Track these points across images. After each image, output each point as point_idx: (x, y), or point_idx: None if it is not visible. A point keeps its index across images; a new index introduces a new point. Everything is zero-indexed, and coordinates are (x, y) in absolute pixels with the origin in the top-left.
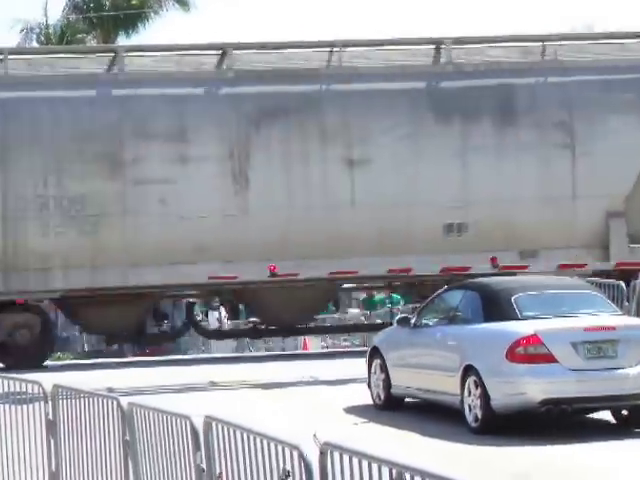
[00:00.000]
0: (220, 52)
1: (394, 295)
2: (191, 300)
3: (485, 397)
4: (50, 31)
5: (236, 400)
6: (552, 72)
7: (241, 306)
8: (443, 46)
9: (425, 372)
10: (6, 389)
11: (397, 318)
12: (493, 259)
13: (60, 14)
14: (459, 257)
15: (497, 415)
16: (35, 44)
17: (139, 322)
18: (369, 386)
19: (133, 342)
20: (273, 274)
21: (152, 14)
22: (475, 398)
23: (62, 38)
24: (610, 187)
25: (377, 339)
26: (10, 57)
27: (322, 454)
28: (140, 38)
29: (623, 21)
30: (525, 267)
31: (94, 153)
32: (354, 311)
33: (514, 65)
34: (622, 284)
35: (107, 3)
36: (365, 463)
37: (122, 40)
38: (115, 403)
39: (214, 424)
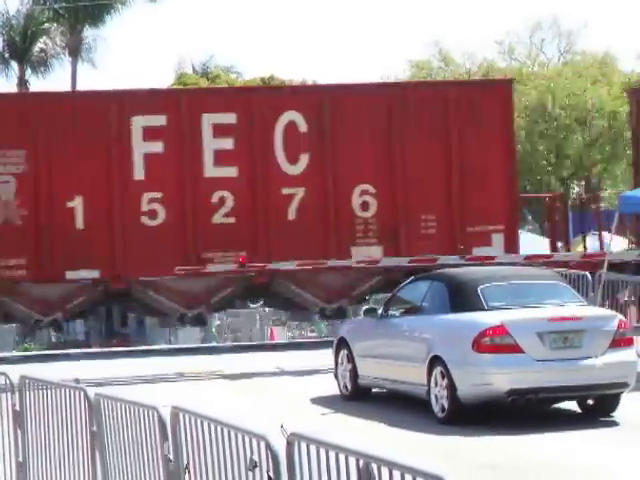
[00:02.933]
0: None
1: None
2: None
3: (452, 387)
4: (13, 22)
5: (203, 391)
6: None
7: None
8: None
9: (392, 363)
10: None
11: (364, 309)
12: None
13: (21, 4)
14: None
15: (464, 405)
16: None
17: None
18: (336, 377)
19: None
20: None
21: (119, 5)
22: (442, 389)
23: (25, 30)
24: None
25: (344, 329)
26: None
27: (289, 444)
28: (106, 29)
29: (589, 16)
30: (493, 257)
31: None
32: None
33: None
34: (587, 274)
35: None
36: (332, 454)
37: (88, 32)
38: (82, 394)
39: (181, 415)
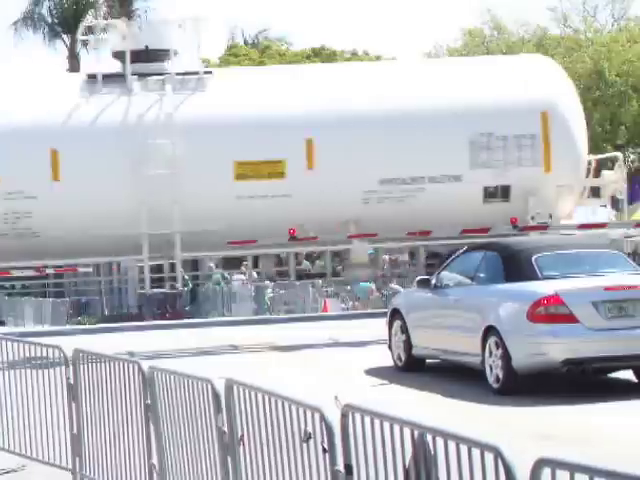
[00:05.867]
0: None
1: None
2: None
3: (506, 357)
4: None
5: (257, 363)
6: None
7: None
8: None
9: (446, 333)
10: (27, 354)
11: (417, 279)
12: (513, 219)
13: None
14: None
15: (518, 375)
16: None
17: None
18: (390, 348)
19: None
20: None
21: None
22: (496, 358)
23: (76, 2)
24: None
25: (397, 301)
26: None
27: (343, 416)
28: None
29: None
30: (545, 227)
31: None
32: None
33: None
34: None
35: None
36: (387, 425)
37: (138, 3)
38: (136, 367)
39: (235, 387)
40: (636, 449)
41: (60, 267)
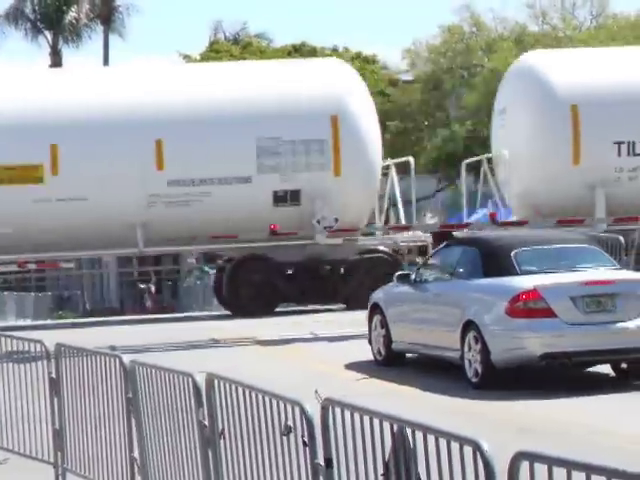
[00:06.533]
0: None
1: None
2: None
3: (485, 352)
4: None
5: (238, 357)
6: None
7: None
8: None
9: (425, 328)
10: (9, 348)
11: (397, 274)
12: (492, 214)
13: None
14: None
15: (497, 370)
16: None
17: None
18: (370, 342)
19: None
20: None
21: None
22: (475, 353)
23: None
24: None
25: (377, 295)
26: None
27: (323, 410)
28: None
29: None
30: (524, 222)
31: None
32: None
33: None
34: (621, 238)
35: None
36: (367, 419)
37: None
38: (118, 361)
39: (216, 381)
40: (614, 442)
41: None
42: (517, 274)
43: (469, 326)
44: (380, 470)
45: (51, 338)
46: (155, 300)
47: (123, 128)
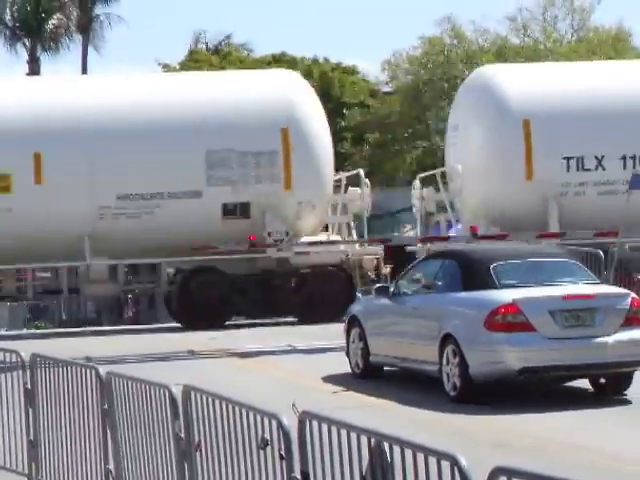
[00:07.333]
0: None
1: None
2: None
3: (463, 366)
4: None
5: (215, 369)
6: None
7: None
8: None
9: (404, 341)
10: None
11: (375, 287)
12: (473, 228)
13: None
14: None
15: (475, 384)
16: None
17: None
18: (347, 355)
19: None
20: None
21: None
22: (453, 367)
23: (37, 6)
24: None
25: (355, 308)
26: None
27: (301, 423)
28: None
29: None
30: (505, 236)
31: None
32: None
33: None
34: (600, 252)
35: None
36: (344, 432)
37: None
38: (94, 372)
39: (193, 393)
40: (591, 458)
41: None
42: (496, 288)
43: (447, 339)
44: None
45: (27, 348)
46: (134, 311)
47: (61, 140)
